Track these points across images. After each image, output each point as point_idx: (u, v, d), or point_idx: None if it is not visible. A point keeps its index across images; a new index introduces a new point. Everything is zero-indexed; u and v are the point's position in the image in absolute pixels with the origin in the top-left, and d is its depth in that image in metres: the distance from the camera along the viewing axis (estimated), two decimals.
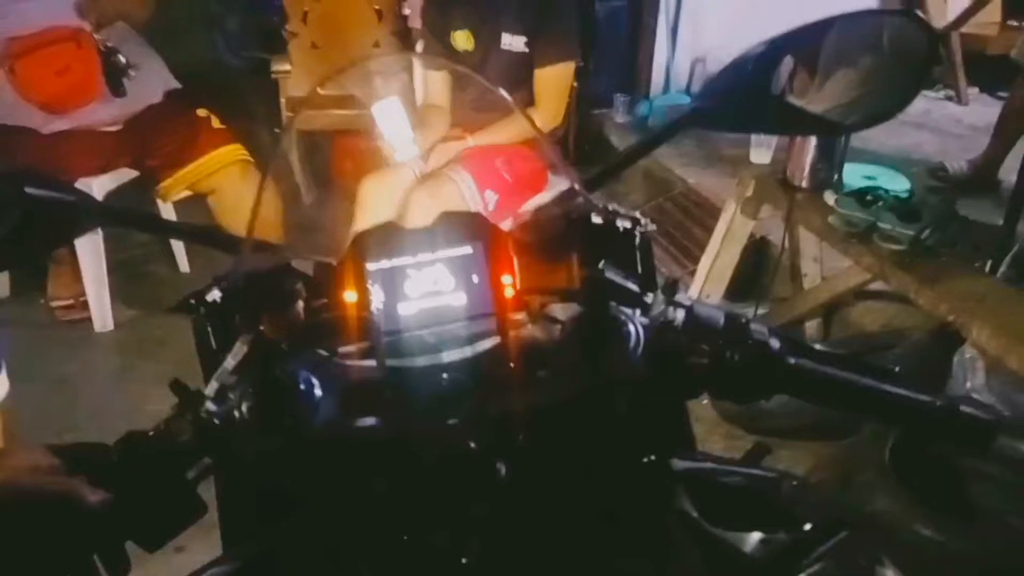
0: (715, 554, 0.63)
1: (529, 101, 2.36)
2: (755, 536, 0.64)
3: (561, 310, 0.68)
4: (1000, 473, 1.51)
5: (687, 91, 4.00)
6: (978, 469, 1.54)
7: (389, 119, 1.72)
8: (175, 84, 2.54)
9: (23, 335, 2.46)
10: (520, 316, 0.71)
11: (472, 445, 0.61)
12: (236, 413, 0.62)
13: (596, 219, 0.72)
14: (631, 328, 0.64)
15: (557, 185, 2.47)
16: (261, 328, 0.69)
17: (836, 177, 2.03)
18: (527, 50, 2.33)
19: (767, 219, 2.29)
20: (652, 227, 0.74)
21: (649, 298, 0.68)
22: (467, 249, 0.73)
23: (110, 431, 0.62)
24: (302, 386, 0.61)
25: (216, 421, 0.62)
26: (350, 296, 0.71)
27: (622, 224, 0.72)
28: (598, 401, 0.64)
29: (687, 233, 3.02)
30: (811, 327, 2.42)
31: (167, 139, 2.46)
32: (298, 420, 0.60)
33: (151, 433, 0.62)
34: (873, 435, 1.75)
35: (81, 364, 2.48)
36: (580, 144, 3.58)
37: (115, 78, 2.26)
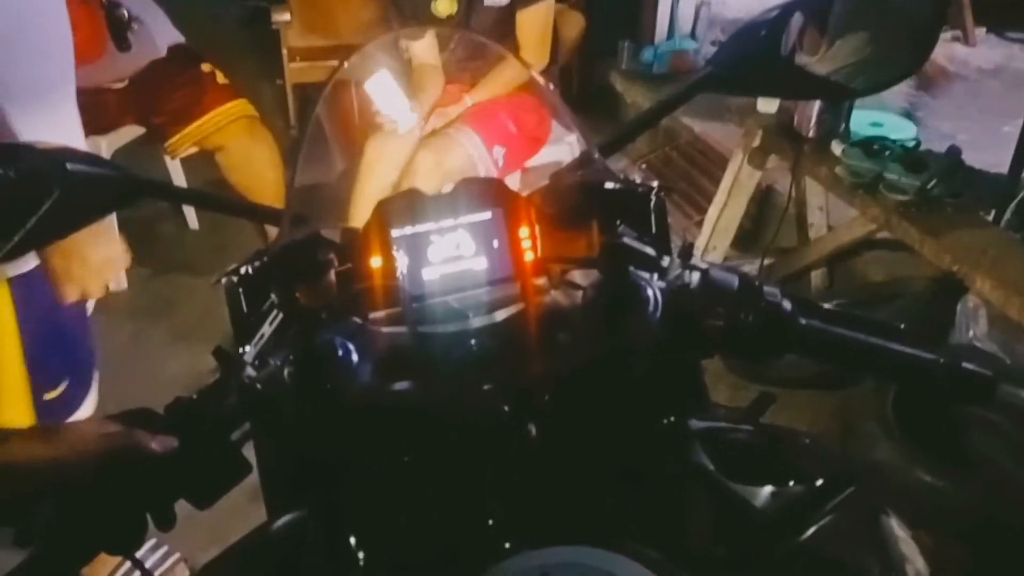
0: (729, 509, 0.66)
1: (516, 51, 2.36)
2: (767, 491, 0.67)
3: (581, 276, 0.70)
4: (1001, 422, 1.55)
5: (692, 36, 3.93)
6: (979, 417, 1.58)
7: (383, 92, 1.71)
8: (178, 38, 2.52)
9: None
10: (541, 281, 0.73)
11: (505, 409, 0.63)
12: (278, 379, 0.64)
13: (612, 185, 0.74)
14: (649, 293, 0.66)
15: (560, 133, 2.48)
16: (297, 297, 0.71)
17: (843, 127, 2.03)
18: (507, 1, 2.33)
19: (774, 169, 2.29)
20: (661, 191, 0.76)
21: (665, 262, 0.70)
22: (487, 214, 0.75)
23: (130, 396, 0.64)
24: (340, 353, 0.64)
25: (259, 386, 0.64)
26: (375, 262, 0.73)
27: (638, 189, 0.74)
28: (618, 364, 0.67)
29: (693, 183, 3.02)
30: (816, 276, 2.44)
31: (172, 95, 2.44)
32: (337, 386, 0.63)
33: (196, 397, 0.65)
34: (875, 386, 1.78)
35: (97, 327, 2.50)
36: (584, 93, 3.55)
37: (119, 32, 2.23)
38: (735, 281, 0.68)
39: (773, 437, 0.73)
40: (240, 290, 0.75)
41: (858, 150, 1.85)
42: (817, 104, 2.03)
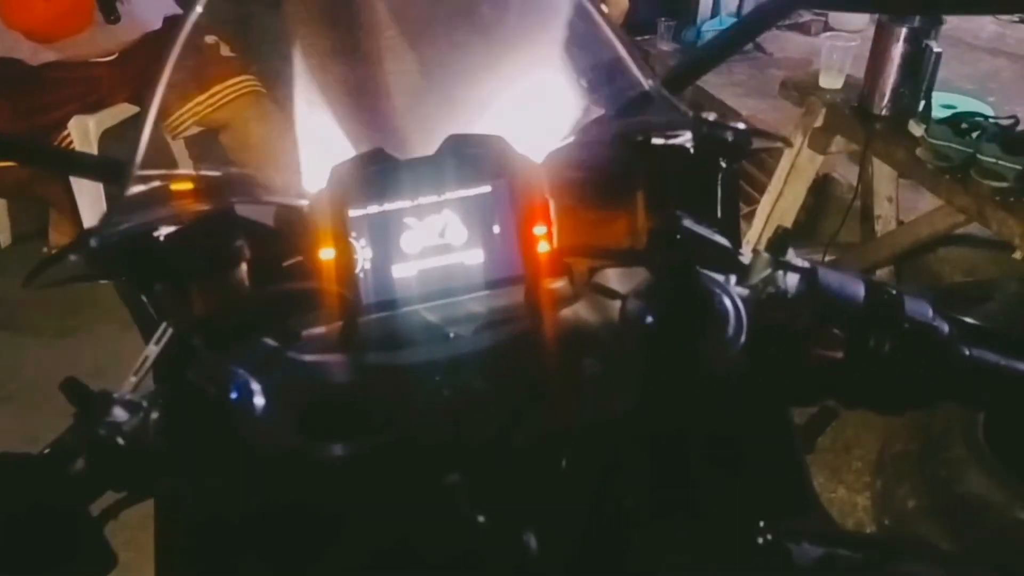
0: None
1: None
2: None
3: (619, 278, 0.47)
4: None
5: (738, 14, 3.67)
6: None
7: None
8: (176, 9, 2.33)
9: (20, 288, 2.31)
10: (560, 284, 0.50)
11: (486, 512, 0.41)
12: (142, 432, 0.42)
13: (677, 140, 0.50)
14: (727, 304, 0.43)
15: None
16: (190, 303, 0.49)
17: (923, 104, 1.76)
18: None
19: (837, 154, 2.04)
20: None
21: (747, 257, 0.47)
22: (485, 188, 0.53)
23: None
24: (236, 395, 0.41)
25: (119, 441, 0.42)
26: (326, 254, 0.52)
27: (727, 139, 0.49)
28: (673, 419, 0.44)
29: (741, 172, 2.76)
30: (881, 276, 2.18)
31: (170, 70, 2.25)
32: (227, 443, 0.41)
33: (36, 456, 0.44)
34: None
35: (86, 317, 2.33)
36: None
37: (108, 2, 2.05)
38: (860, 288, 0.45)
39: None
40: (139, 291, 0.53)
41: (945, 128, 1.58)
42: (892, 77, 1.77)
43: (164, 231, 0.49)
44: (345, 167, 0.55)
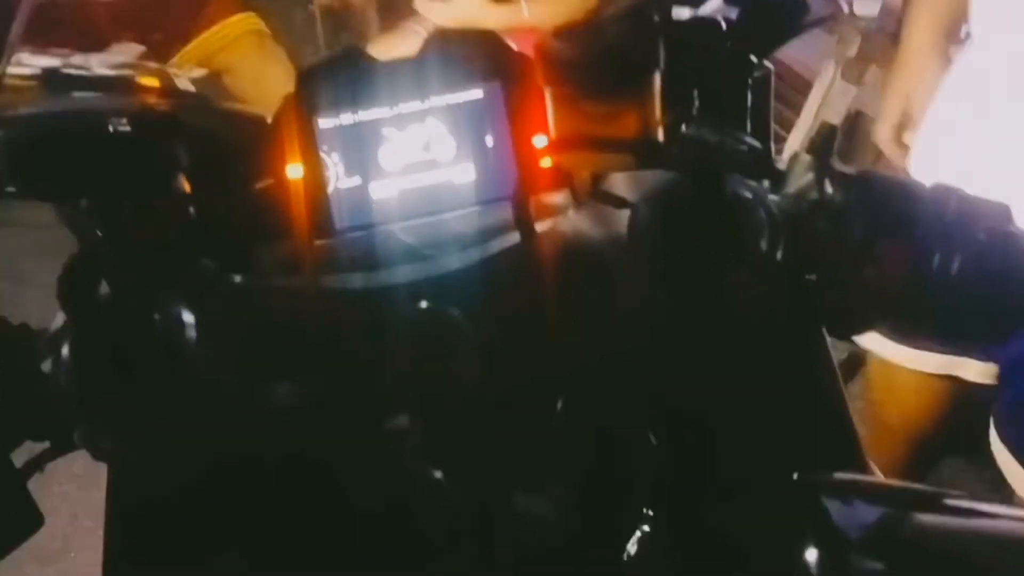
0: None
1: None
2: None
3: (628, 183, 0.39)
4: None
5: None
6: None
7: None
8: None
9: (21, 236, 2.27)
10: (560, 199, 0.43)
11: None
12: (59, 371, 0.36)
13: (702, 12, 0.41)
14: (761, 214, 0.35)
15: None
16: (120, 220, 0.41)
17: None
18: None
19: (869, 87, 1.92)
20: None
21: (782, 162, 0.39)
22: (476, 92, 0.46)
23: None
24: (164, 328, 0.35)
25: (36, 385, 0.36)
26: (293, 171, 0.45)
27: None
28: (695, 347, 0.36)
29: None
30: None
31: (171, 6, 2.18)
32: (149, 384, 0.34)
33: None
34: None
35: None
36: None
37: None
38: (922, 193, 0.37)
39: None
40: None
41: None
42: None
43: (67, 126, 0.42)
44: (314, 70, 0.48)
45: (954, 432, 1.31)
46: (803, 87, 2.30)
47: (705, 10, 0.40)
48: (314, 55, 3.23)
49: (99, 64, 1.96)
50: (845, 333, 0.41)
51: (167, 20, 2.18)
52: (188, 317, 0.35)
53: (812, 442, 0.44)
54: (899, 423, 1.15)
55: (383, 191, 0.46)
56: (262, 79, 2.27)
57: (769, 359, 0.41)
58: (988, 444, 0.96)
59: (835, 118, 1.93)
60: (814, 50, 2.31)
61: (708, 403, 0.40)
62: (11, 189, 0.42)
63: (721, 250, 0.34)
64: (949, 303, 0.36)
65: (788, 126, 2.22)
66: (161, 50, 2.28)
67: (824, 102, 1.90)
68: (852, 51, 1.82)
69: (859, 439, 0.44)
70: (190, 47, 2.20)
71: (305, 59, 2.45)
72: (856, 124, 2.39)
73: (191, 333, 0.35)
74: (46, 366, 0.37)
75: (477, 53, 0.47)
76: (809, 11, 0.42)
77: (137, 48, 2.31)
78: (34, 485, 0.41)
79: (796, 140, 2.07)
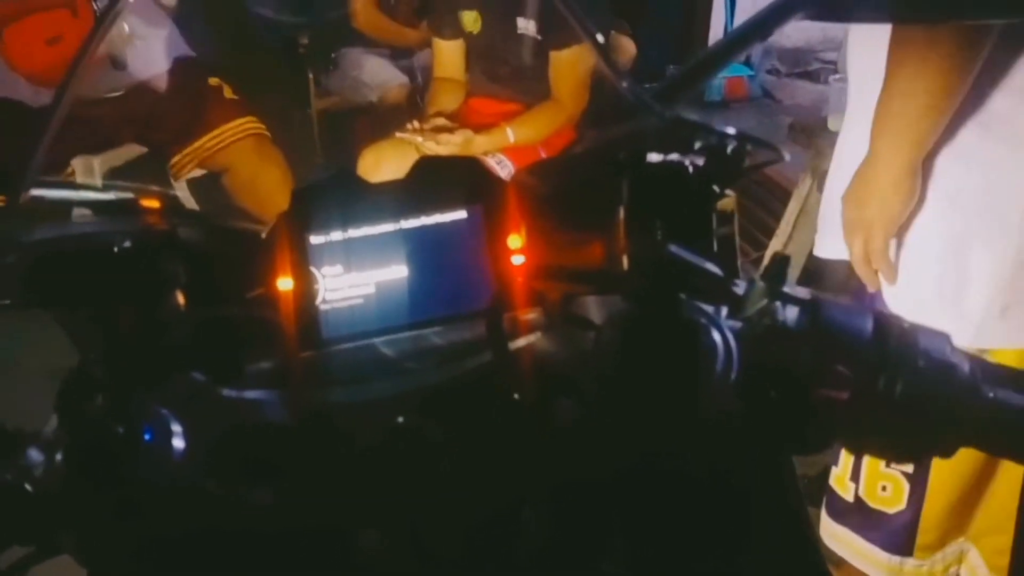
0: None
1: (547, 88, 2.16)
2: None
3: (595, 305, 0.42)
4: None
5: (747, 63, 3.67)
6: None
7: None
8: (186, 51, 2.33)
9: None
10: (532, 316, 0.46)
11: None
12: (52, 475, 0.37)
13: (673, 156, 0.45)
14: (716, 338, 0.37)
15: None
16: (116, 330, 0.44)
17: None
18: (540, 36, 2.14)
19: None
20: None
21: (740, 287, 0.42)
22: (460, 213, 0.49)
23: None
24: (148, 435, 0.36)
25: (28, 488, 0.37)
26: (284, 284, 0.48)
27: (729, 150, 0.44)
28: (657, 466, 0.38)
29: (747, 215, 2.72)
30: None
31: (174, 109, 2.25)
32: (132, 491, 0.35)
33: None
34: None
35: None
36: None
37: (116, 49, 2.05)
38: (868, 321, 0.40)
39: None
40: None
41: None
42: None
43: (81, 246, 0.45)
44: (308, 190, 0.51)
45: None
46: (784, 196, 2.38)
47: (673, 156, 0.43)
48: (311, 155, 3.32)
49: (101, 166, 1.99)
50: (800, 451, 0.43)
51: (170, 120, 2.25)
52: (176, 427, 0.37)
53: (779, 564, 0.45)
54: None
55: (369, 304, 0.49)
56: (259, 180, 2.32)
57: (736, 479, 0.43)
58: None
59: (814, 227, 1.99)
60: (794, 163, 2.40)
61: (674, 524, 0.42)
62: (7, 302, 0.44)
63: (678, 373, 0.37)
64: (893, 424, 0.38)
65: (766, 229, 2.29)
66: (163, 149, 2.34)
67: (801, 211, 1.96)
68: (826, 164, 1.89)
69: (821, 556, 0.46)
70: (191, 148, 2.26)
71: (302, 159, 2.52)
72: None
73: (179, 443, 0.37)
74: (37, 471, 0.38)
75: (461, 178, 0.50)
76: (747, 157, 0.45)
77: (139, 149, 2.39)
78: None
79: (777, 245, 2.12)
